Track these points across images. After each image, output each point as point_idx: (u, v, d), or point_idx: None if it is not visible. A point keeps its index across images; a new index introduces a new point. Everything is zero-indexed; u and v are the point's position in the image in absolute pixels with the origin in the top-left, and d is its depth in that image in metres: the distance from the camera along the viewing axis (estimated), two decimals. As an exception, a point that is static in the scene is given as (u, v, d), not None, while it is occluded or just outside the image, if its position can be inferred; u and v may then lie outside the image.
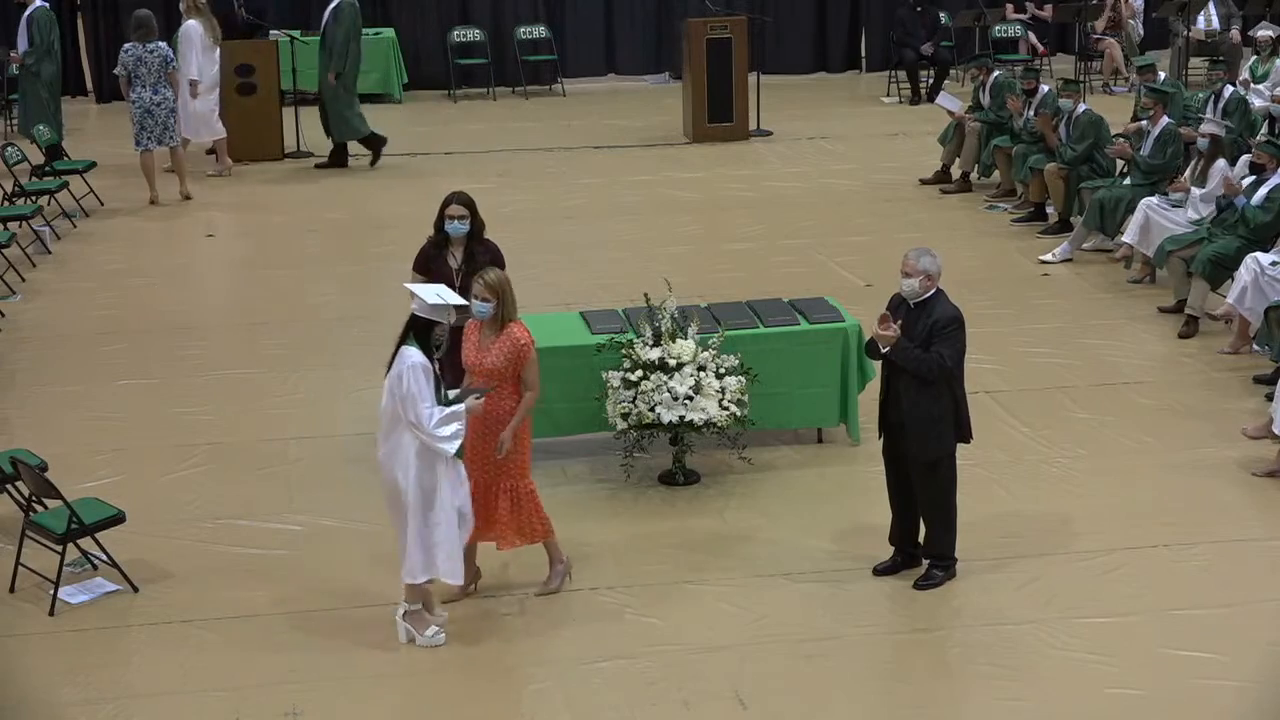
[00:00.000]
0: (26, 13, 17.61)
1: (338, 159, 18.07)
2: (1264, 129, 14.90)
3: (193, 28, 17.51)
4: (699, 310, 10.19)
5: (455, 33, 22.17)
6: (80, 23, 22.11)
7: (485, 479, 8.38)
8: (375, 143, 18.13)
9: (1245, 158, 13.33)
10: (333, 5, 17.75)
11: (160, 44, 16.48)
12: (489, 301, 8.26)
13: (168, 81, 16.41)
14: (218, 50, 17.76)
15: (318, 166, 18.03)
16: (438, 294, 8.00)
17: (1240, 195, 12.52)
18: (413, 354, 7.91)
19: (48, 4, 17.88)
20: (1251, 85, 17.08)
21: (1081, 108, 15.13)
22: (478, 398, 8.03)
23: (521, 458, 8.44)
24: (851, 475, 9.99)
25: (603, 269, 14.05)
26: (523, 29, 22.37)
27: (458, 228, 9.47)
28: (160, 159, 16.92)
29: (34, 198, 15.70)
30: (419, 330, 7.98)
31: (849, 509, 9.56)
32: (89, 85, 22.26)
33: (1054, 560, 8.98)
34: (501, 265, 9.10)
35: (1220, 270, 12.38)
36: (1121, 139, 14.97)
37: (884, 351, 8.42)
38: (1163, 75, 17.08)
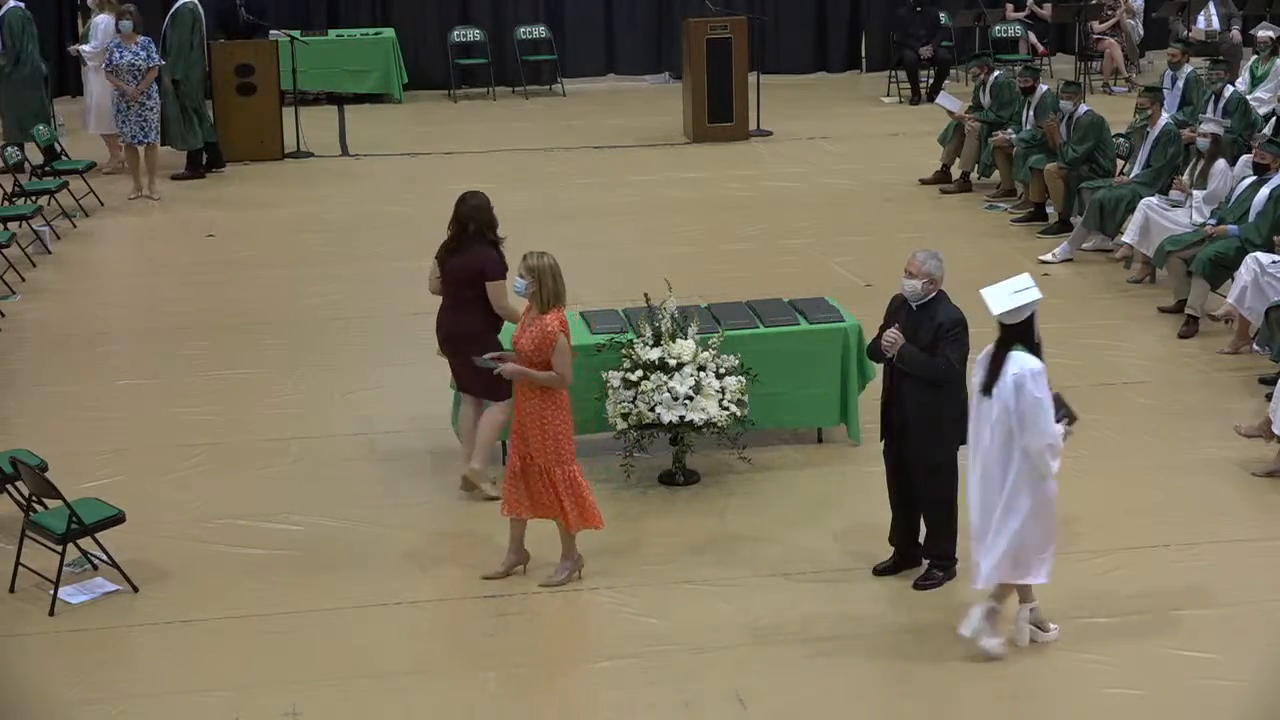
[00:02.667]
0: None
1: (194, 167, 17.66)
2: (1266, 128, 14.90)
3: (108, 21, 17.38)
4: (699, 310, 10.18)
5: (455, 33, 22.16)
6: (80, 22, 22.04)
7: (523, 463, 8.58)
8: (210, 157, 17.72)
9: (1245, 157, 13.33)
10: (172, 10, 17.36)
11: None
12: (523, 279, 8.48)
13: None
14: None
15: (174, 178, 17.51)
16: (1011, 291, 7.78)
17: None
18: (1024, 359, 7.70)
19: (23, 5, 17.66)
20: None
21: (1083, 109, 15.12)
22: None
23: (560, 445, 8.51)
24: (851, 475, 9.98)
25: (603, 269, 14.03)
26: (523, 29, 22.37)
27: None
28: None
29: (34, 198, 15.69)
30: (1019, 335, 7.77)
31: (849, 509, 9.55)
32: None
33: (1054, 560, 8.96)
34: None
35: (1220, 270, 12.37)
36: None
37: (891, 359, 8.42)
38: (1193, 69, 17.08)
